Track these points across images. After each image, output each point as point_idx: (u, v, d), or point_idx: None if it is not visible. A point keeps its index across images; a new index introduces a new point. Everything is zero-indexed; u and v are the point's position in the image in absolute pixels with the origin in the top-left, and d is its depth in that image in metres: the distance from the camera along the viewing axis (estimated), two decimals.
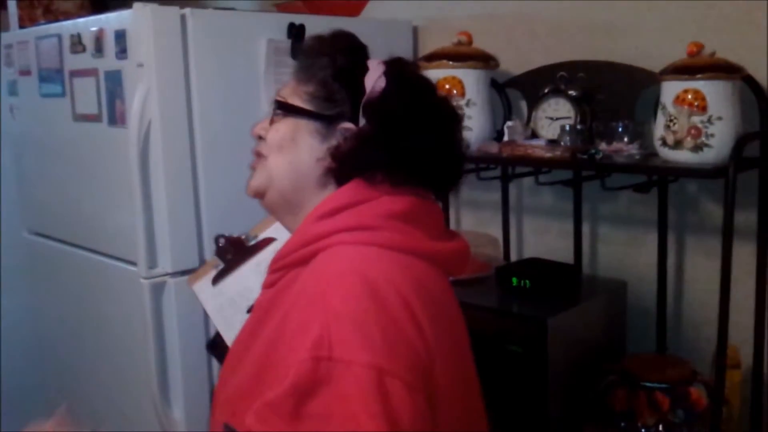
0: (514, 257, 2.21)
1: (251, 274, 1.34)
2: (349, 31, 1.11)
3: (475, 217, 2.33)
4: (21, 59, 2.35)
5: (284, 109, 1.07)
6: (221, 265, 1.40)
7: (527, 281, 1.74)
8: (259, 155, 1.10)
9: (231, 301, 1.32)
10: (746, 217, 1.73)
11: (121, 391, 2.12)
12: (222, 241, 1.40)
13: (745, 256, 1.72)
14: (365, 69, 1.05)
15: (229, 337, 1.31)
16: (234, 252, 1.39)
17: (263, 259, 1.33)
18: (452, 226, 2.34)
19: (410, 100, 1.04)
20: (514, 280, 1.75)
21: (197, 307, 1.89)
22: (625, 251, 2.02)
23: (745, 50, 1.68)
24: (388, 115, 1.02)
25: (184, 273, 1.87)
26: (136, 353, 1.95)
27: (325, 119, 1.04)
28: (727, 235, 1.52)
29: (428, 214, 1.06)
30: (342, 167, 1.03)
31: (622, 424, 1.63)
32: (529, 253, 2.20)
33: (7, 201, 2.66)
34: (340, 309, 0.89)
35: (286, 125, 1.06)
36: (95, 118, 2.02)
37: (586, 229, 2.06)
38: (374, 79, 1.03)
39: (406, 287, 0.94)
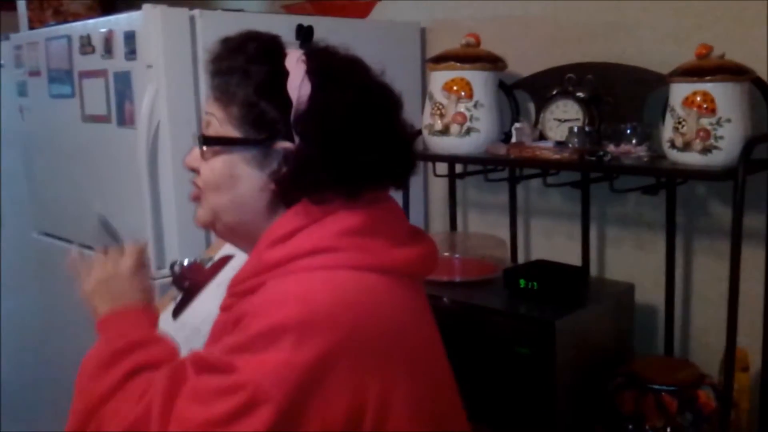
0: (521, 259, 2.21)
1: (212, 298, 1.25)
2: (254, 31, 1.02)
3: (482, 218, 2.33)
4: (30, 60, 2.36)
5: (212, 144, 0.98)
6: (179, 296, 1.30)
7: (535, 283, 1.74)
8: (198, 188, 1.03)
9: (196, 330, 1.23)
10: (755, 220, 1.73)
11: None
12: (177, 268, 1.30)
13: (753, 258, 1.72)
14: (285, 73, 0.95)
15: None
16: (191, 278, 1.30)
17: (223, 280, 1.26)
18: (459, 228, 2.34)
19: (342, 100, 0.94)
20: (522, 282, 1.75)
21: None
22: (633, 253, 2.02)
23: (754, 52, 1.68)
24: (322, 129, 0.93)
25: None
26: None
27: (259, 143, 0.95)
28: (736, 237, 1.52)
29: (388, 220, 1.00)
30: (286, 192, 0.96)
31: (630, 427, 1.62)
32: (536, 255, 2.20)
33: (17, 201, 2.68)
34: (267, 317, 0.87)
35: (220, 162, 0.98)
36: (104, 119, 2.03)
37: (593, 231, 2.05)
38: (298, 85, 0.94)
39: (343, 329, 0.87)
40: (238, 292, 0.97)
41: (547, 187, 2.02)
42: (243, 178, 0.97)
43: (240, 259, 1.26)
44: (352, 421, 0.88)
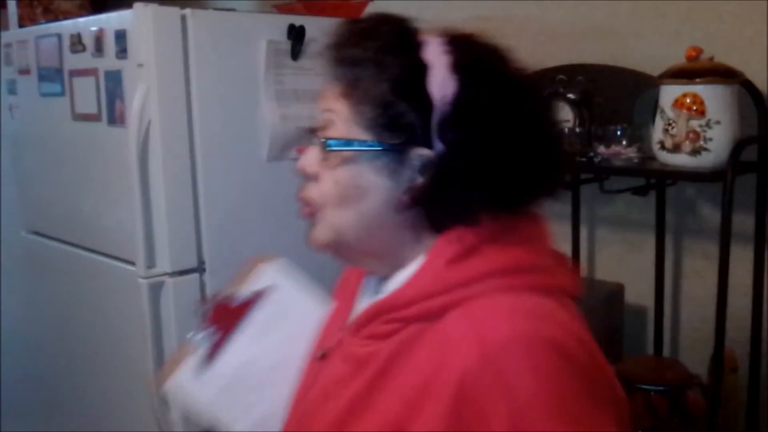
0: None
1: (258, 336, 1.08)
2: (386, 14, 0.87)
3: None
4: (20, 58, 2.35)
5: (342, 147, 0.82)
6: (207, 342, 1.09)
7: None
8: (309, 204, 0.86)
9: (236, 378, 1.06)
10: (743, 221, 1.74)
11: (119, 391, 2.12)
12: (209, 306, 1.10)
13: (742, 259, 1.73)
14: (424, 66, 0.81)
15: (244, 423, 1.04)
16: (224, 318, 1.10)
17: (272, 313, 1.10)
18: None
19: (493, 100, 0.80)
20: None
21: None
22: (622, 254, 2.02)
23: (743, 54, 1.69)
24: (472, 133, 0.78)
25: (182, 273, 1.87)
26: (134, 353, 1.95)
27: (395, 149, 0.80)
28: (725, 238, 1.53)
29: (546, 236, 0.90)
30: (426, 212, 0.81)
31: None
32: None
33: (6, 200, 2.66)
34: (533, 389, 0.71)
35: (346, 171, 0.82)
36: (95, 118, 2.02)
37: (584, 231, 2.06)
38: (441, 82, 0.79)
39: (581, 332, 0.79)
40: (401, 317, 0.80)
41: None
42: (372, 190, 0.82)
43: (285, 292, 1.10)
44: None
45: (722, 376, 1.60)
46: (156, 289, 1.88)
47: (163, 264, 1.87)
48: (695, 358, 1.85)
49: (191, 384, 1.05)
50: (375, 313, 0.83)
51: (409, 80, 0.80)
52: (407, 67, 0.81)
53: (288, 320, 1.09)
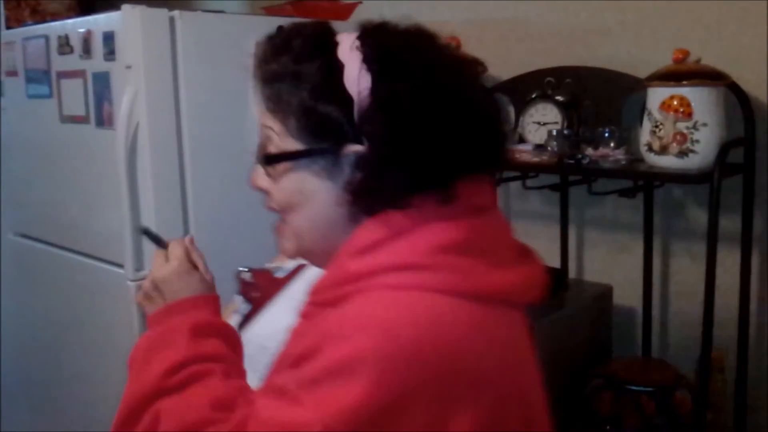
0: None
1: (283, 311, 1.12)
2: (299, 23, 0.90)
3: None
4: (7, 60, 2.33)
5: (275, 162, 0.87)
6: (244, 308, 1.17)
7: None
8: (274, 212, 0.92)
9: (260, 348, 1.11)
10: (730, 222, 1.75)
11: (107, 393, 2.11)
12: (247, 276, 1.17)
13: (729, 260, 1.74)
14: (341, 65, 0.83)
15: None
16: (261, 288, 1.17)
17: (296, 291, 1.15)
18: None
19: (408, 87, 0.81)
20: None
21: None
22: (611, 255, 2.03)
23: (729, 57, 1.70)
24: (390, 125, 0.80)
25: None
26: (122, 355, 1.94)
27: (325, 153, 0.84)
28: (712, 239, 1.54)
29: (490, 235, 0.87)
30: (364, 202, 0.83)
31: (608, 428, 1.64)
32: None
33: None
34: (330, 357, 0.75)
35: (288, 180, 0.86)
36: (83, 120, 2.01)
37: (572, 233, 2.07)
38: (356, 78, 0.81)
39: (426, 369, 0.76)
40: (319, 301, 0.86)
41: (527, 189, 2.03)
42: (315, 193, 0.85)
43: (316, 269, 1.14)
44: None
45: (709, 377, 1.61)
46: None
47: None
48: (683, 358, 1.86)
49: None
50: (309, 293, 0.89)
51: (326, 83, 0.82)
52: (322, 70, 0.83)
53: None
